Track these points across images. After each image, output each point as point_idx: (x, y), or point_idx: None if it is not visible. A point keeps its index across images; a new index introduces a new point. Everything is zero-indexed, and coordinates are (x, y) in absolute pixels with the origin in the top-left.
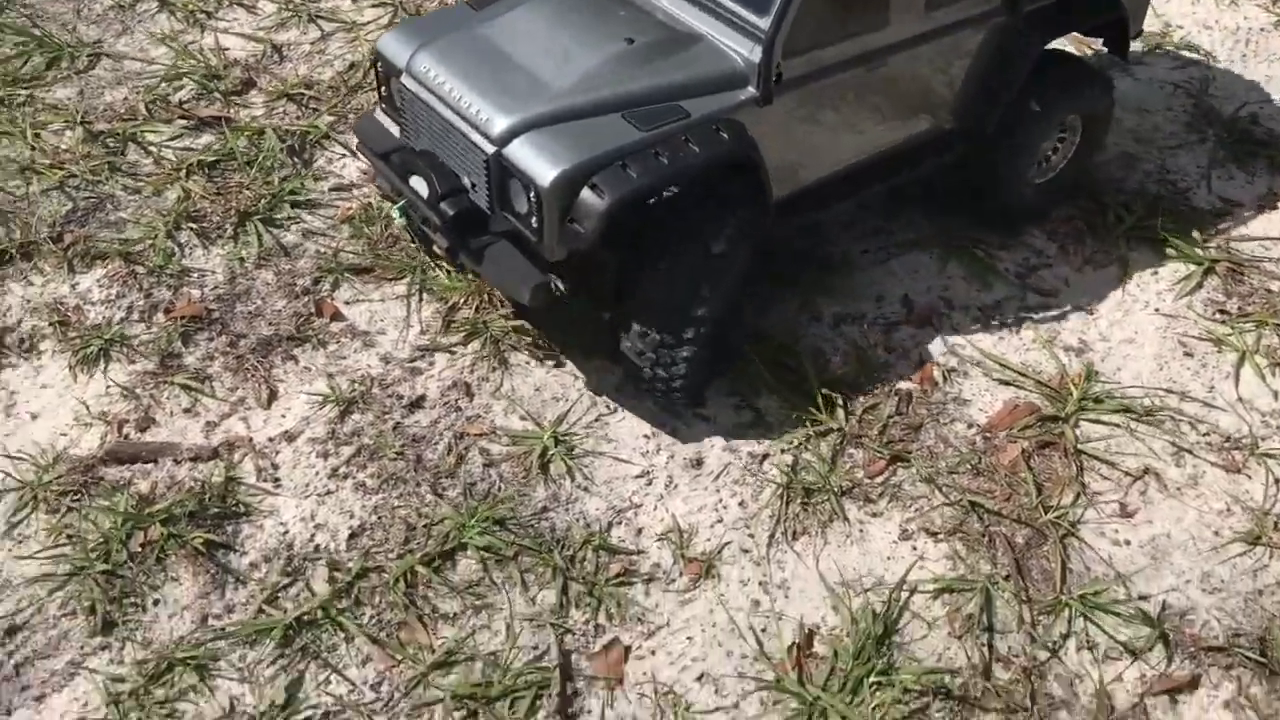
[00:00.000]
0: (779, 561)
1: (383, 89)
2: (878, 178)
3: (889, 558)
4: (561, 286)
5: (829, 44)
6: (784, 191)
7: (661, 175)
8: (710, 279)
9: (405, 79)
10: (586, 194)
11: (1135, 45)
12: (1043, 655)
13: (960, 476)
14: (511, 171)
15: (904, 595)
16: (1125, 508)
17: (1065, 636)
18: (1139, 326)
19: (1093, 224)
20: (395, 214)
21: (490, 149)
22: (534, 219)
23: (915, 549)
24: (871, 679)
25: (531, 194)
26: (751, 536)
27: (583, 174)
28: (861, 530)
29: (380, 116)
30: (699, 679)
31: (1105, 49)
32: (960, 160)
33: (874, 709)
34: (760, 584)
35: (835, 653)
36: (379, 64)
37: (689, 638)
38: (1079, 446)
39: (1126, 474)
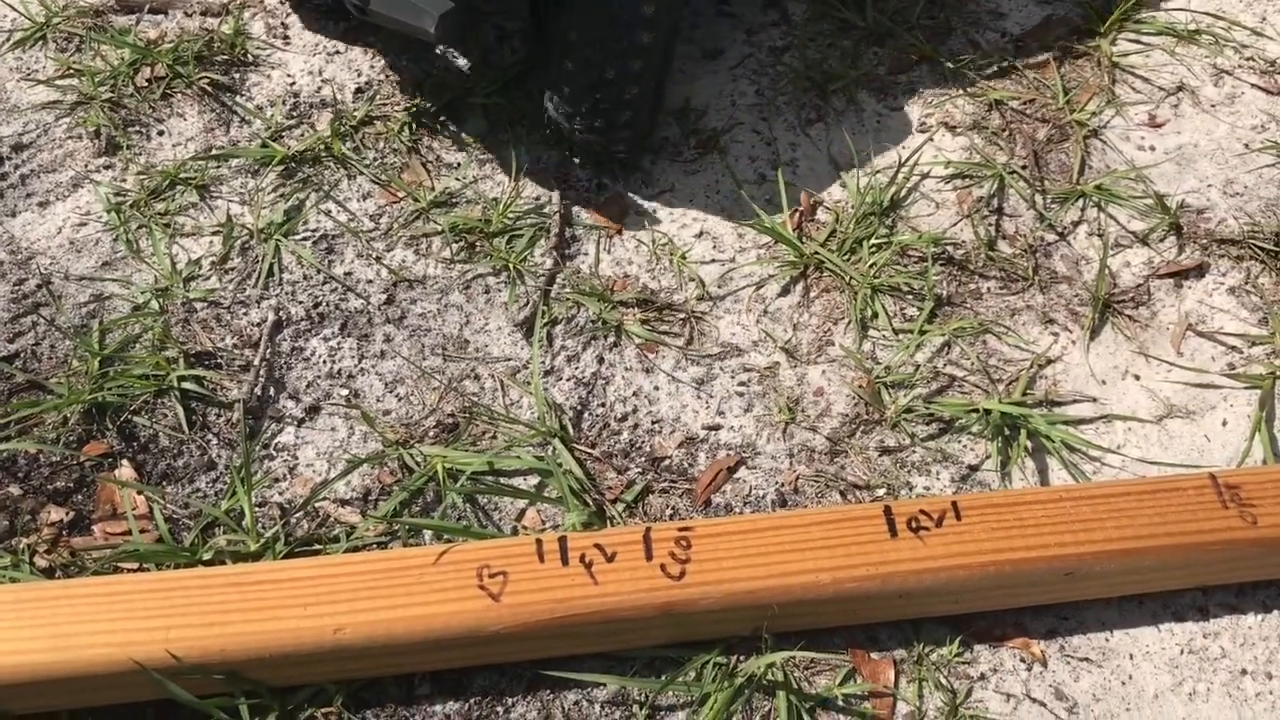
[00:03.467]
0: (790, 144)
1: None
2: None
3: (904, 147)
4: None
5: None
6: None
7: None
8: (654, 9)
9: None
10: None
11: None
12: (1050, 237)
13: (986, 79)
14: None
15: (915, 178)
16: (1154, 118)
17: (1076, 224)
18: None
19: None
20: None
21: None
22: None
23: (932, 141)
24: (872, 242)
25: None
26: (765, 120)
27: None
28: (878, 121)
29: None
30: (698, 235)
31: None
32: None
33: (870, 266)
34: (769, 161)
35: (837, 217)
36: None
37: (691, 200)
38: (1114, 60)
39: (1160, 89)
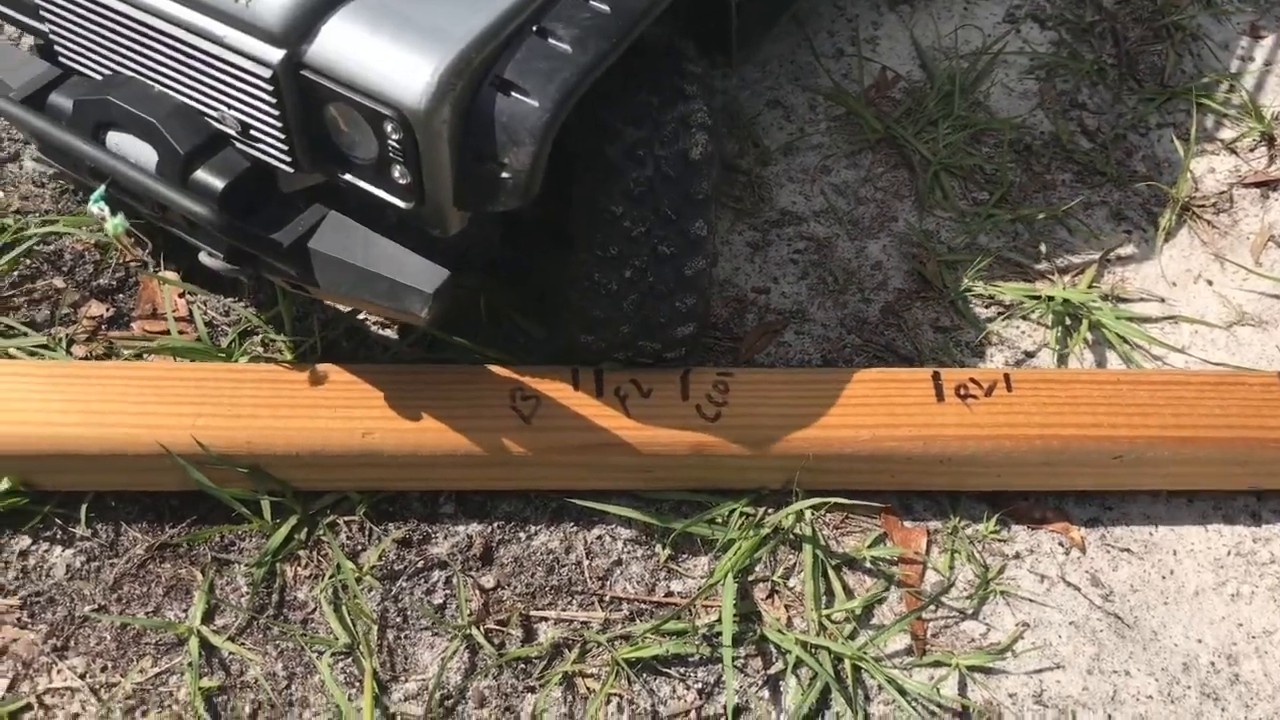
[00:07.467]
0: (872, 21)
1: None
2: None
3: (989, 35)
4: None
5: None
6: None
7: (609, 40)
8: (697, 193)
9: None
10: (505, 102)
11: None
12: (1133, 136)
13: None
14: (330, 91)
15: (998, 66)
16: (1257, 28)
17: (1161, 125)
18: None
19: None
20: (97, 209)
21: (276, 56)
22: (398, 169)
23: (1019, 32)
24: (948, 123)
25: (390, 126)
26: None
27: (477, 68)
28: (965, 8)
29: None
30: (768, 103)
31: None
32: None
33: (945, 146)
34: (848, 37)
35: (915, 97)
36: None
37: (764, 67)
38: None
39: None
